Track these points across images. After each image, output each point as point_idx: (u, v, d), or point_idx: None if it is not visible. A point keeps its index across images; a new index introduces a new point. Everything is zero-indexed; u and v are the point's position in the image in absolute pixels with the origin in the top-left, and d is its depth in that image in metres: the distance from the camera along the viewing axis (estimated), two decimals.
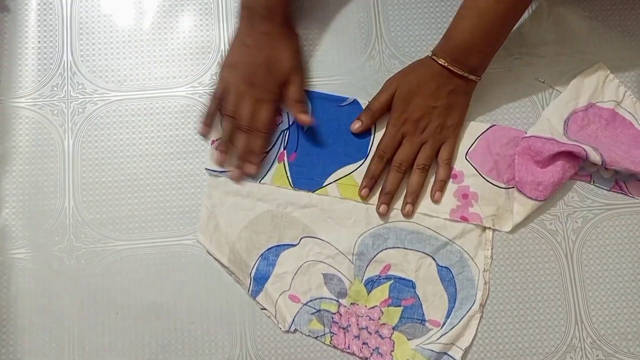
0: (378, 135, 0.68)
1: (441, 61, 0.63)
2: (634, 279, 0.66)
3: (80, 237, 0.66)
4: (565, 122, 0.68)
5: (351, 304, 0.65)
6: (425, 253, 0.66)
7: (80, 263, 0.66)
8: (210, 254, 0.66)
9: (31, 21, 0.71)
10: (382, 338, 0.64)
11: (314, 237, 0.66)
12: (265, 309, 0.65)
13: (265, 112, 0.65)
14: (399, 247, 0.66)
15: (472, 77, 0.64)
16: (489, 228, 0.66)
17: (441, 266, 0.65)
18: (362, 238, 0.66)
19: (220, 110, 0.67)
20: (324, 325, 0.65)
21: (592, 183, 0.68)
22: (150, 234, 0.67)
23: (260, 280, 0.65)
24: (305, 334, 0.65)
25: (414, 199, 0.66)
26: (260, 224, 0.66)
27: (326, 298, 0.65)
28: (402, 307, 0.65)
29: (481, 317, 0.65)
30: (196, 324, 0.65)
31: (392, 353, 0.64)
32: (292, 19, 0.69)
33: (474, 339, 0.65)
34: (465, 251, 0.66)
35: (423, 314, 0.65)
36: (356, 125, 0.67)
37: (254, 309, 0.66)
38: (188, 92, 0.69)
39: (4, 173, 0.67)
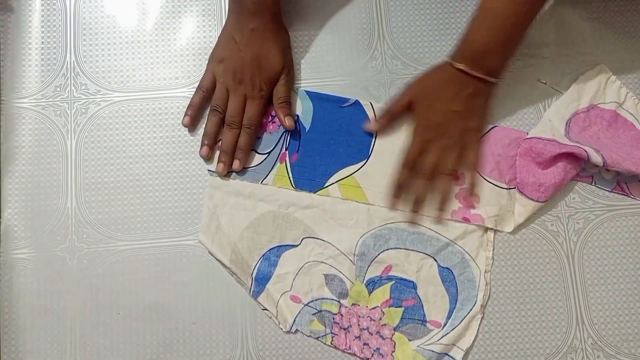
0: (380, 137, 0.68)
1: (459, 65, 0.63)
2: (635, 280, 0.66)
3: (82, 237, 0.67)
4: (566, 123, 0.68)
5: (352, 304, 0.65)
6: (426, 254, 0.66)
7: (83, 263, 0.66)
8: (211, 254, 0.66)
9: (34, 22, 0.71)
10: (383, 339, 0.64)
11: (315, 238, 0.66)
12: (266, 309, 0.65)
13: (253, 109, 0.66)
14: (400, 248, 0.66)
15: (491, 79, 0.63)
16: (491, 229, 0.66)
17: (442, 267, 0.66)
18: (363, 239, 0.66)
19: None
20: (325, 326, 0.65)
21: (593, 184, 0.68)
22: (152, 234, 0.67)
23: (261, 280, 0.66)
24: (306, 335, 0.65)
25: (444, 206, 0.66)
26: (262, 224, 0.67)
27: (327, 299, 0.65)
28: (403, 308, 0.65)
29: (482, 318, 0.65)
30: (197, 324, 0.66)
31: (393, 354, 0.64)
32: (283, 15, 0.68)
33: (475, 340, 0.65)
34: (467, 252, 0.66)
35: (424, 315, 0.65)
36: (373, 126, 0.67)
37: (255, 309, 0.66)
38: (191, 93, 0.69)
39: (7, 173, 0.68)
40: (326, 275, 0.66)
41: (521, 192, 0.66)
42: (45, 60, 0.70)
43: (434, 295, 0.65)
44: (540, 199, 0.65)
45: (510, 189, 0.67)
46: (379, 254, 0.66)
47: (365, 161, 0.68)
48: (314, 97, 0.69)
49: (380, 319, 0.65)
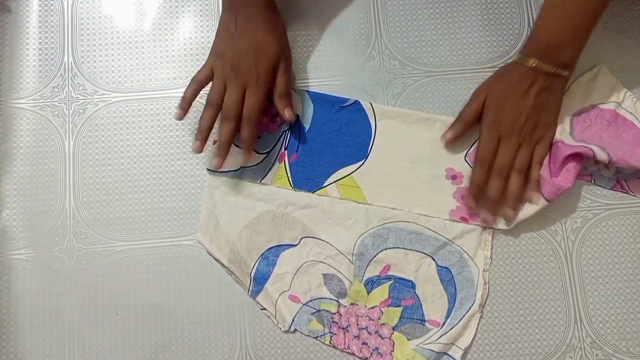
0: (378, 136, 0.69)
1: (530, 62, 0.62)
2: (633, 278, 0.67)
3: (80, 237, 0.67)
4: (570, 123, 0.68)
5: (351, 304, 0.66)
6: (424, 253, 0.66)
7: (81, 263, 0.67)
8: (210, 254, 0.67)
9: (32, 22, 0.72)
10: (382, 338, 0.65)
11: (314, 238, 0.67)
12: (265, 309, 0.66)
13: (253, 98, 0.64)
14: (399, 248, 0.66)
15: (564, 73, 0.62)
16: (489, 228, 0.67)
17: (441, 266, 0.66)
18: (362, 238, 0.66)
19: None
20: (324, 326, 0.65)
21: (592, 182, 0.68)
22: (150, 234, 0.67)
23: (260, 280, 0.66)
24: (305, 334, 0.65)
25: (515, 204, 0.65)
26: (261, 224, 0.67)
27: (326, 298, 0.66)
28: (402, 307, 0.65)
29: (481, 317, 0.66)
30: (196, 324, 0.66)
31: (392, 353, 0.64)
32: (277, 2, 0.67)
33: (473, 339, 0.65)
34: (465, 251, 0.66)
35: (423, 314, 0.65)
36: (449, 134, 0.67)
37: (254, 309, 0.66)
38: None
39: (5, 174, 0.68)
40: (325, 275, 0.66)
41: (539, 191, 0.65)
42: (43, 60, 0.71)
43: (433, 294, 0.65)
44: (554, 199, 0.65)
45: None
46: (377, 254, 0.66)
47: (363, 161, 0.68)
48: (314, 97, 0.70)
49: (379, 318, 0.65)
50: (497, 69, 0.69)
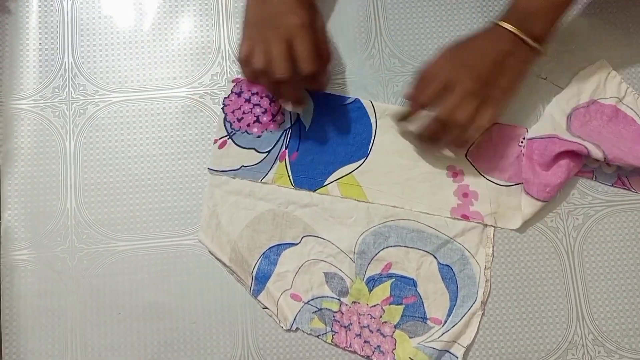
0: (379, 134, 0.69)
1: (505, 24, 0.61)
2: (635, 275, 0.67)
3: (82, 237, 0.68)
4: (568, 118, 0.68)
5: (352, 302, 0.66)
6: (426, 251, 0.66)
7: (83, 264, 0.67)
8: (211, 254, 0.67)
9: (32, 23, 0.72)
10: (384, 336, 0.65)
11: (315, 236, 0.67)
12: (266, 308, 0.66)
13: (304, 45, 0.60)
14: (400, 246, 0.67)
15: (534, 44, 0.61)
16: (490, 226, 0.67)
17: (442, 264, 0.66)
18: (363, 237, 0.67)
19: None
20: (326, 324, 0.65)
21: (594, 179, 0.69)
22: (151, 234, 0.68)
23: (261, 279, 0.66)
24: (306, 333, 0.66)
25: (455, 152, 0.66)
26: (262, 223, 0.67)
27: (327, 297, 0.66)
28: (404, 306, 0.66)
29: (482, 314, 0.66)
30: (198, 323, 0.66)
31: (394, 351, 0.65)
32: None
33: (475, 337, 0.65)
34: (466, 249, 0.66)
35: (424, 312, 0.65)
36: (406, 92, 0.65)
37: (256, 308, 0.67)
38: (189, 93, 0.70)
39: (6, 175, 0.69)
40: (326, 274, 0.66)
41: (527, 193, 0.67)
42: (43, 61, 0.71)
43: (434, 292, 0.66)
44: (547, 198, 0.66)
45: (509, 185, 0.68)
46: (378, 252, 0.66)
47: (364, 159, 0.68)
48: (314, 95, 0.70)
49: (381, 316, 0.65)
50: None
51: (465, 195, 0.67)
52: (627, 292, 0.67)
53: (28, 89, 0.70)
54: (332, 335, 0.65)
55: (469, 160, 0.68)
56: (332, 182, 0.68)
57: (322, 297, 0.66)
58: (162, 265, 0.67)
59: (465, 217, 0.67)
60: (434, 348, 0.64)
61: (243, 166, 0.68)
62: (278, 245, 0.67)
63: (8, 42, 0.71)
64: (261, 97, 0.70)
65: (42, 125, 0.70)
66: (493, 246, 0.67)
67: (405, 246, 0.67)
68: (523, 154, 0.68)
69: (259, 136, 0.69)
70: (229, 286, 0.67)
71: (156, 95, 0.71)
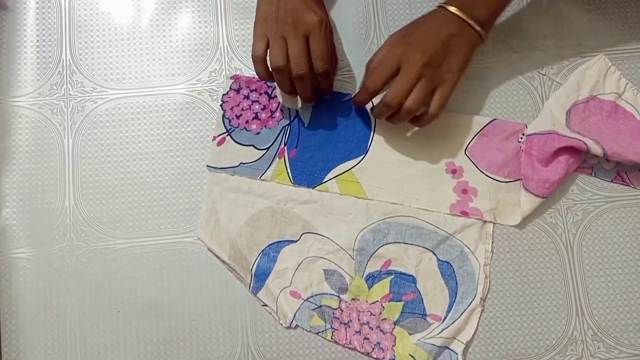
0: (378, 131, 0.69)
1: (448, 7, 0.62)
2: (634, 270, 0.67)
3: (81, 235, 0.68)
4: (567, 113, 0.69)
5: (352, 299, 0.66)
6: (425, 248, 0.67)
7: (81, 261, 0.67)
8: (210, 251, 0.67)
9: (30, 20, 0.72)
10: (384, 333, 0.65)
11: (314, 233, 0.67)
12: (266, 305, 0.66)
13: (318, 44, 0.61)
14: (400, 242, 0.67)
15: (477, 27, 0.62)
16: (489, 222, 0.67)
17: (442, 260, 0.67)
18: (362, 233, 0.67)
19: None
20: (325, 321, 0.66)
21: (593, 175, 0.69)
22: (150, 232, 0.68)
23: (261, 276, 0.67)
24: (306, 330, 0.66)
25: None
26: (261, 220, 0.68)
27: (327, 294, 0.66)
28: (403, 302, 0.66)
29: (482, 310, 0.66)
30: (197, 321, 0.67)
31: (394, 348, 0.65)
32: None
33: (475, 333, 0.66)
34: (466, 245, 0.67)
35: (424, 309, 0.66)
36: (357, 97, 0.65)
37: (255, 305, 0.67)
38: (187, 90, 0.71)
39: (4, 172, 0.69)
40: (325, 271, 0.67)
41: (527, 189, 0.67)
42: (41, 58, 0.71)
43: (434, 288, 0.66)
44: (546, 194, 0.66)
45: (509, 182, 0.68)
46: (378, 249, 0.67)
47: (363, 156, 0.69)
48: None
49: (380, 313, 0.66)
50: (498, 62, 0.70)
51: (464, 191, 0.68)
52: (626, 287, 0.67)
53: (26, 86, 0.70)
54: (332, 332, 0.66)
55: (468, 157, 0.68)
56: (331, 178, 0.68)
57: (322, 294, 0.66)
58: (161, 263, 0.67)
59: (464, 214, 0.67)
60: (433, 344, 0.64)
61: (242, 163, 0.68)
62: (277, 242, 0.67)
63: (5, 39, 0.71)
64: (260, 94, 0.70)
65: (40, 122, 0.70)
66: (492, 242, 0.67)
67: (404, 243, 0.67)
68: (522, 150, 0.68)
69: (258, 133, 0.69)
70: (228, 284, 0.67)
71: (154, 92, 0.71)
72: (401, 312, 0.66)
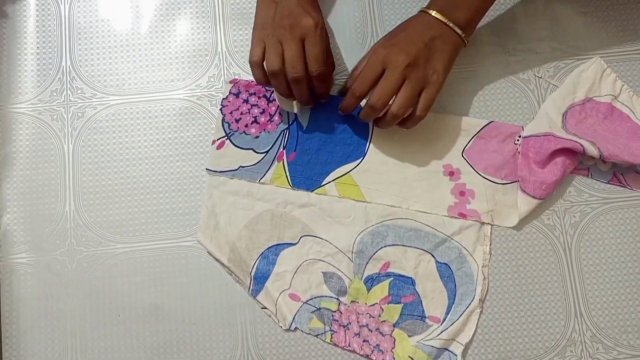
0: (375, 134, 0.70)
1: (430, 11, 0.63)
2: (632, 271, 0.68)
3: (81, 240, 0.69)
4: (563, 116, 0.70)
5: (351, 301, 0.67)
6: (424, 250, 0.68)
7: (82, 266, 0.68)
8: (210, 254, 0.68)
9: (29, 27, 0.73)
10: (383, 335, 0.66)
11: (313, 236, 0.68)
12: (265, 307, 0.67)
13: (316, 48, 0.61)
14: (398, 245, 0.68)
15: (458, 30, 0.63)
16: (487, 224, 0.68)
17: (440, 262, 0.67)
18: (361, 236, 0.68)
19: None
20: (324, 324, 0.67)
21: (589, 176, 0.70)
22: (150, 236, 0.69)
23: (260, 279, 0.67)
24: (305, 332, 0.67)
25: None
26: (260, 223, 0.68)
27: (326, 296, 0.67)
28: (402, 304, 0.67)
29: (481, 312, 0.67)
30: (198, 325, 0.67)
31: (393, 350, 0.66)
32: None
33: (474, 334, 0.67)
34: (464, 247, 0.68)
35: (423, 311, 0.67)
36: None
37: (255, 309, 0.68)
38: (186, 95, 0.72)
39: (5, 178, 0.70)
40: (325, 273, 0.68)
41: (523, 191, 0.68)
42: (41, 65, 0.72)
43: (433, 290, 0.67)
44: (543, 196, 0.67)
45: (506, 183, 0.69)
46: (376, 251, 0.68)
47: (361, 159, 0.70)
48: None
49: (380, 315, 0.67)
50: (494, 65, 0.71)
51: (462, 193, 0.69)
52: (624, 288, 0.68)
53: (26, 92, 0.71)
54: (331, 335, 0.66)
55: (465, 159, 0.69)
56: (329, 182, 0.69)
57: (321, 296, 0.67)
58: (161, 267, 0.68)
59: (462, 215, 0.68)
60: (432, 346, 0.65)
61: (241, 167, 0.69)
62: (276, 245, 0.68)
63: (6, 46, 0.72)
64: (259, 98, 0.71)
65: (41, 128, 0.71)
66: (490, 244, 0.68)
67: (403, 245, 0.68)
68: (519, 152, 0.69)
69: (257, 137, 0.70)
70: (228, 287, 0.68)
71: (154, 98, 0.72)
72: (400, 314, 0.67)
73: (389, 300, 0.67)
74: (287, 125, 0.70)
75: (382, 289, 0.67)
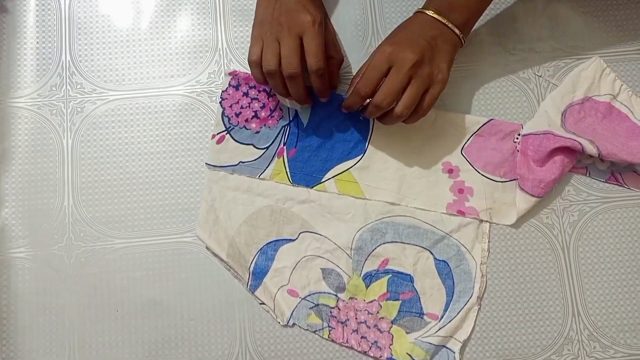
0: (375, 131, 0.71)
1: (427, 12, 0.64)
2: (630, 271, 0.69)
3: (79, 235, 0.69)
4: (562, 114, 0.71)
5: (350, 298, 0.68)
6: (422, 247, 0.69)
7: (80, 261, 0.69)
8: (208, 249, 0.69)
9: (29, 22, 0.74)
10: (381, 332, 0.67)
11: (312, 232, 0.69)
12: (263, 303, 0.68)
13: (314, 42, 0.62)
14: (397, 242, 0.69)
15: (456, 30, 0.64)
16: (486, 221, 0.69)
17: (439, 260, 0.68)
18: (360, 233, 0.69)
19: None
20: (322, 320, 0.67)
21: (587, 175, 0.71)
22: (149, 231, 0.70)
23: (259, 274, 0.68)
24: (303, 328, 0.67)
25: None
26: (260, 218, 0.69)
27: (324, 292, 0.68)
28: (401, 301, 0.68)
29: (479, 309, 0.68)
30: (196, 320, 0.68)
31: (391, 346, 0.67)
32: None
33: (472, 332, 0.68)
34: (462, 244, 0.69)
35: (421, 308, 0.68)
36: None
37: (253, 305, 0.68)
38: (186, 91, 0.72)
39: (4, 173, 0.70)
40: (323, 270, 0.68)
41: (522, 189, 0.69)
42: (41, 59, 0.73)
43: (431, 287, 0.68)
44: (541, 194, 0.68)
45: (505, 181, 0.70)
46: (375, 248, 0.69)
47: (361, 156, 0.71)
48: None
49: (378, 312, 0.67)
50: (494, 64, 0.72)
51: (460, 191, 0.70)
52: (622, 287, 0.69)
53: (25, 87, 0.72)
54: (329, 331, 0.67)
55: (464, 156, 0.71)
56: (329, 178, 0.70)
57: (319, 292, 0.68)
58: (159, 263, 0.69)
59: (460, 213, 0.69)
60: (430, 343, 0.66)
61: (241, 162, 0.70)
62: (275, 241, 0.69)
63: (5, 41, 0.73)
64: (259, 91, 0.71)
65: (40, 123, 0.71)
66: (489, 242, 0.69)
67: (401, 242, 0.69)
68: (518, 150, 0.70)
69: (257, 132, 0.71)
70: (226, 283, 0.69)
71: (153, 94, 0.72)
72: (398, 311, 0.67)
73: (387, 297, 0.68)
74: (287, 121, 0.71)
75: (380, 286, 0.68)
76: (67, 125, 0.72)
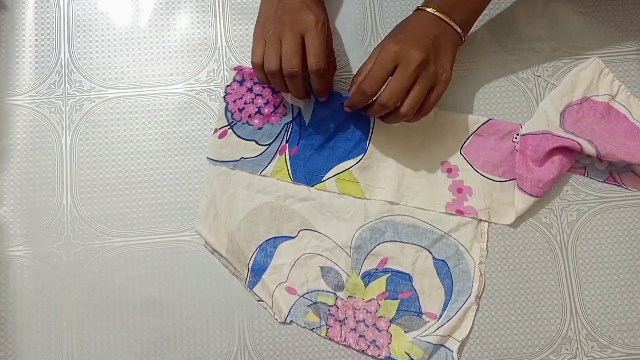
0: (376, 130, 0.72)
1: (429, 10, 0.65)
2: (628, 270, 0.70)
3: (78, 234, 0.70)
4: (561, 114, 0.72)
5: (348, 297, 0.69)
6: (421, 246, 0.69)
7: (79, 260, 0.69)
8: (208, 245, 0.70)
9: (28, 19, 0.74)
10: (379, 331, 0.68)
11: (312, 230, 0.70)
12: (261, 300, 0.69)
13: (315, 41, 0.62)
14: (396, 241, 0.70)
15: (457, 28, 0.65)
16: (484, 221, 0.70)
17: (437, 259, 0.69)
18: (359, 232, 0.70)
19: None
20: (320, 318, 0.68)
21: (586, 175, 0.72)
22: (148, 230, 0.70)
23: (257, 271, 0.69)
24: (300, 326, 0.68)
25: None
26: (260, 215, 0.70)
27: (323, 291, 0.69)
28: (399, 300, 0.68)
29: (477, 309, 0.69)
30: (195, 319, 0.69)
31: (389, 345, 0.67)
32: None
33: (470, 331, 0.68)
34: (461, 244, 0.69)
35: (420, 307, 0.68)
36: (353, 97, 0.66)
37: (252, 303, 0.69)
38: (185, 89, 0.73)
39: (2, 171, 0.71)
40: (322, 268, 0.69)
41: (520, 189, 0.70)
42: (40, 57, 0.73)
43: (430, 287, 0.69)
44: (539, 194, 0.69)
45: (503, 181, 0.71)
46: (374, 247, 0.69)
47: (362, 155, 0.71)
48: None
49: (376, 311, 0.68)
50: (493, 63, 0.73)
51: (459, 190, 0.71)
52: (620, 287, 0.70)
53: (24, 85, 0.73)
54: (327, 329, 0.68)
55: (463, 156, 0.71)
56: (330, 177, 0.71)
57: (318, 290, 0.69)
58: (158, 262, 0.70)
59: (459, 212, 0.70)
60: (429, 342, 0.67)
61: (243, 158, 0.71)
62: (275, 237, 0.70)
63: (4, 38, 0.74)
64: (263, 88, 0.72)
65: (38, 121, 0.72)
66: (487, 241, 0.70)
67: (400, 241, 0.70)
68: (517, 150, 0.71)
69: (260, 128, 0.71)
70: (225, 282, 0.70)
71: (152, 92, 0.73)
72: (397, 310, 0.68)
73: (386, 296, 0.69)
74: (290, 119, 0.72)
75: (379, 285, 0.69)
76: (65, 123, 0.72)
